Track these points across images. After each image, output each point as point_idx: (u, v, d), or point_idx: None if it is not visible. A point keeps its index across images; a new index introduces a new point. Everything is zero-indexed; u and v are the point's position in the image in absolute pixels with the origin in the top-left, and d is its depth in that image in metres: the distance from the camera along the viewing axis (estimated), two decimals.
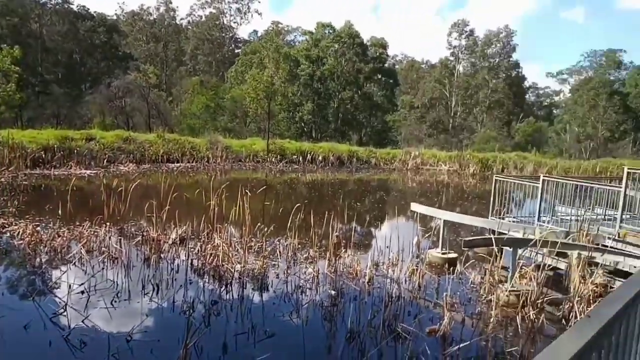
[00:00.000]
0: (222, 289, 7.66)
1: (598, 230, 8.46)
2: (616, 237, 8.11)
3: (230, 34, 68.26)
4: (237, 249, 9.01)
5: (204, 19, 66.92)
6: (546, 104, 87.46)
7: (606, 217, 9.94)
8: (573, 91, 65.22)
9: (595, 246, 7.48)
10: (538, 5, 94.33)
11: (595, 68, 68.06)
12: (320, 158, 32.26)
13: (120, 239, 9.66)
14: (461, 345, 5.77)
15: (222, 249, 8.53)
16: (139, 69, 41.06)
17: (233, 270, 8.24)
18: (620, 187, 8.28)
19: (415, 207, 10.55)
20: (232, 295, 7.42)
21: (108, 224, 10.17)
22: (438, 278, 9.03)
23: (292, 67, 47.41)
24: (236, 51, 66.79)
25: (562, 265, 8.53)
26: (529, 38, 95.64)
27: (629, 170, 7.99)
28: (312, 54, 51.71)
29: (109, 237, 9.60)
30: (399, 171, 33.79)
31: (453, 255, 9.65)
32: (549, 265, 8.97)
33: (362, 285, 8.24)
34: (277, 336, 5.99)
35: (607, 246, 7.89)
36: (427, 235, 10.91)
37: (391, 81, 59.55)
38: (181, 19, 68.54)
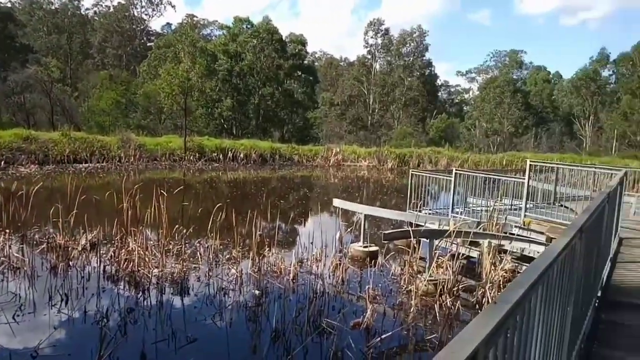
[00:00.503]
0: (139, 296, 7.25)
1: (506, 219, 9.04)
2: (521, 225, 8.72)
3: (142, 27, 65.13)
4: (155, 253, 8.57)
5: (112, 9, 63.25)
6: (457, 101, 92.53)
7: (513, 206, 10.67)
8: (480, 89, 69.52)
9: (504, 234, 7.99)
10: (447, 7, 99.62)
11: (499, 67, 73.13)
12: (241, 155, 31.75)
13: (23, 247, 8.86)
14: (384, 336, 5.91)
15: (138, 253, 8.08)
16: (40, 62, 37.91)
17: (150, 276, 7.83)
18: (524, 179, 8.92)
19: (337, 202, 10.68)
20: (150, 302, 7.04)
21: (7, 231, 9.27)
22: (360, 271, 9.20)
23: (209, 62, 46.13)
24: (148, 44, 63.77)
25: (474, 253, 9.03)
26: (441, 38, 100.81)
27: (531, 163, 8.63)
28: (230, 49, 50.72)
29: (9, 246, 8.76)
30: (321, 168, 34.15)
31: (374, 248, 9.88)
32: (463, 254, 9.47)
33: (287, 283, 8.19)
34: (199, 341, 5.78)
35: (514, 234, 8.45)
36: (349, 230, 11.09)
37: (311, 78, 59.99)
38: (87, 9, 64.28)
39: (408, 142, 45.30)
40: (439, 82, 74.84)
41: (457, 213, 10.56)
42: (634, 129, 48.27)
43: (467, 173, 10.10)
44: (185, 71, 34.23)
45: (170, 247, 9.07)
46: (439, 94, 79.47)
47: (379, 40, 60.05)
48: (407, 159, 35.19)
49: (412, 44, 59.86)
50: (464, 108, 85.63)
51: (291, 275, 8.38)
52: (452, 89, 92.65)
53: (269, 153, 33.47)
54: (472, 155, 36.77)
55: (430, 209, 11.81)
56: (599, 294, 4.50)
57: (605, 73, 56.55)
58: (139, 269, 7.94)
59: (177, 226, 9.35)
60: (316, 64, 76.05)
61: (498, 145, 59.95)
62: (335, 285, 8.35)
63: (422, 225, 9.59)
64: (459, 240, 7.81)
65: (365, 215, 9.91)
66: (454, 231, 7.43)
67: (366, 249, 9.78)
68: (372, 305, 6.65)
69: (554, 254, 2.06)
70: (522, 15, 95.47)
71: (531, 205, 10.10)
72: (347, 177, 31.14)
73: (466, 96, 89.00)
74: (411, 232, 7.52)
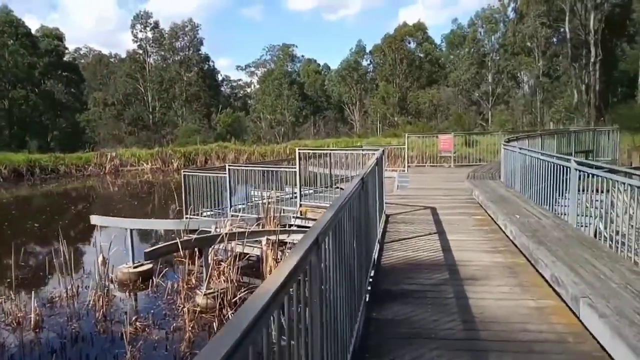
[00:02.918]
0: None
1: (283, 211, 8.67)
2: (298, 215, 8.44)
3: None
4: None
5: None
6: (240, 95, 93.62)
7: (294, 195, 10.45)
8: (260, 82, 71.37)
9: (282, 228, 7.53)
10: (222, 3, 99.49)
11: (275, 61, 76.08)
12: None
13: None
14: None
15: None
16: None
17: None
18: (295, 168, 8.65)
19: (95, 219, 8.92)
20: None
21: None
22: (130, 297, 7.79)
23: None
24: None
25: (257, 251, 8.46)
26: (218, 34, 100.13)
27: (299, 151, 8.39)
28: None
29: None
30: (96, 176, 30.25)
31: (147, 266, 8.51)
32: (246, 254, 8.82)
33: (26, 335, 6.35)
34: None
35: (292, 225, 8.09)
36: (113, 250, 9.41)
37: (75, 77, 53.05)
38: None
39: (195, 139, 43.64)
40: (220, 77, 74.37)
41: (238, 210, 9.89)
42: (391, 110, 55.42)
43: (240, 168, 9.46)
44: None
45: None
46: (222, 88, 79.15)
47: (150, 34, 56.31)
48: (194, 157, 33.69)
49: (185, 38, 57.73)
50: (248, 101, 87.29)
51: (32, 323, 6.54)
52: (235, 84, 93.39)
53: (25, 167, 28.15)
54: (258, 147, 37.18)
55: (212, 210, 10.88)
56: (369, 288, 4.16)
57: (364, 63, 63.56)
58: None
59: None
60: (82, 61, 67.99)
61: (283, 135, 62.53)
62: (97, 322, 6.81)
63: (205, 231, 8.62)
64: (233, 243, 7.05)
65: (131, 230, 8.44)
66: (227, 234, 6.62)
67: (136, 269, 8.35)
68: (144, 336, 5.44)
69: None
70: (291, 11, 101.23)
71: (312, 191, 10.02)
72: (128, 183, 28.21)
73: (248, 90, 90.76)
74: (179, 244, 6.46)
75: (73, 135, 52.11)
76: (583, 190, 6.69)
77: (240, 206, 10.56)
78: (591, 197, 6.36)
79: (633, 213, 4.61)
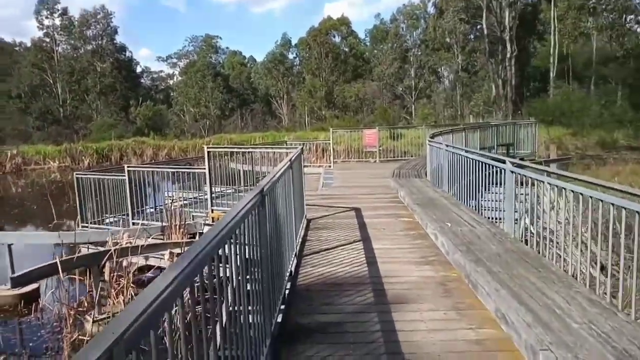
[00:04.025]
0: None
1: (192, 217, 7.69)
2: (210, 222, 7.51)
3: None
4: None
5: None
6: (162, 87, 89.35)
7: (215, 195, 9.41)
8: (182, 74, 68.39)
9: (188, 239, 6.57)
10: None
11: (198, 52, 73.14)
12: None
13: None
14: None
15: None
16: None
17: None
18: (204, 168, 7.69)
19: None
20: None
21: None
22: (5, 328, 6.50)
23: None
24: None
25: (164, 263, 7.44)
26: (138, 24, 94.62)
27: (209, 150, 7.44)
28: None
29: None
30: None
31: (32, 286, 7.19)
32: (151, 266, 7.75)
33: None
34: None
35: (201, 233, 7.14)
36: None
37: None
38: None
39: (109, 134, 40.67)
40: (139, 68, 70.33)
41: (147, 216, 8.75)
42: (319, 104, 55.08)
43: (141, 169, 8.32)
44: None
45: None
46: (142, 80, 75.01)
47: (57, 21, 51.83)
48: (107, 154, 31.25)
49: (98, 26, 53.73)
50: (171, 94, 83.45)
51: None
52: (156, 75, 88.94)
53: None
54: (179, 142, 35.28)
55: (115, 217, 9.61)
56: (279, 319, 3.39)
57: (290, 56, 62.70)
58: None
59: None
60: None
61: (208, 129, 60.30)
62: None
63: (100, 243, 7.43)
64: (126, 259, 6.02)
65: (9, 245, 7.08)
66: (116, 250, 5.58)
67: (16, 292, 7.02)
68: None
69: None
70: (215, 3, 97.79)
71: (232, 191, 9.05)
72: (33, 183, 25.53)
73: (170, 82, 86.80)
74: (59, 264, 5.33)
75: None
76: (500, 184, 6.35)
77: (150, 210, 9.42)
78: (516, 190, 6.03)
79: (560, 210, 4.23)
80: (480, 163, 6.13)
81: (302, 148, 6.51)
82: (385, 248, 5.27)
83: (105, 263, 6.34)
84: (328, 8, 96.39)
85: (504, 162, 4.76)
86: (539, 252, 4.27)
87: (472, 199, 7.30)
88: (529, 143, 15.96)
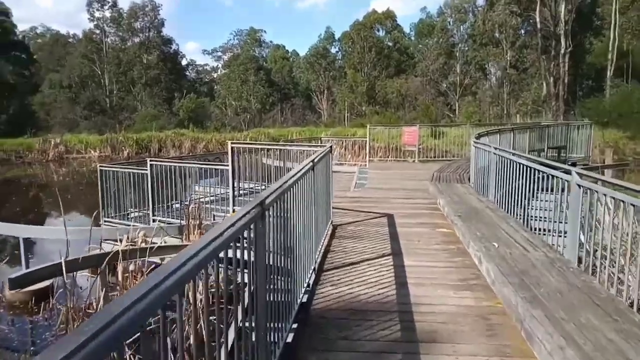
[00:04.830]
0: None
1: (214, 217, 7.22)
2: None
3: None
4: None
5: None
6: (206, 80, 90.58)
7: (243, 192, 8.93)
8: (225, 67, 68.95)
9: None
10: None
11: (242, 45, 73.54)
12: None
13: None
14: None
15: None
16: None
17: None
18: (227, 165, 7.18)
19: None
20: None
21: None
22: (10, 327, 6.23)
23: None
24: None
25: None
26: (185, 16, 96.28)
27: (233, 146, 6.94)
28: None
29: None
30: (39, 163, 27.92)
31: (45, 283, 6.92)
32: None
33: None
34: None
35: None
36: (4, 261, 7.75)
37: (24, 57, 49.58)
38: None
39: (151, 125, 41.31)
40: (185, 61, 71.37)
41: (165, 213, 8.37)
42: (359, 99, 54.20)
43: (164, 163, 7.93)
44: None
45: None
46: (187, 73, 76.20)
47: (107, 14, 53.15)
48: (147, 145, 31.60)
49: (145, 19, 54.74)
50: (215, 87, 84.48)
51: None
52: (201, 68, 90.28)
53: None
54: (217, 135, 35.31)
55: (140, 212, 9.28)
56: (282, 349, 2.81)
57: (333, 50, 61.98)
58: None
59: None
60: (39, 41, 64.11)
61: (249, 122, 60.54)
62: None
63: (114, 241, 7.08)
64: (139, 260, 5.59)
65: (24, 239, 6.83)
66: (125, 251, 5.15)
67: (28, 288, 6.76)
68: None
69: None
70: None
71: (263, 187, 8.51)
72: (75, 172, 26.09)
73: (215, 75, 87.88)
74: (63, 266, 4.95)
75: (22, 118, 48.76)
76: (549, 190, 5.57)
77: (176, 206, 9.04)
78: (559, 197, 5.24)
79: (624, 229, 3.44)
80: (534, 170, 5.34)
81: (331, 147, 5.89)
82: (418, 265, 4.59)
83: (117, 263, 5.94)
84: (374, 2, 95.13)
85: (568, 172, 3.93)
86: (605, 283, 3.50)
87: (519, 207, 6.52)
88: (582, 146, 14.72)
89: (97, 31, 54.35)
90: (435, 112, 44.49)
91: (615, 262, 3.43)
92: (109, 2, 53.16)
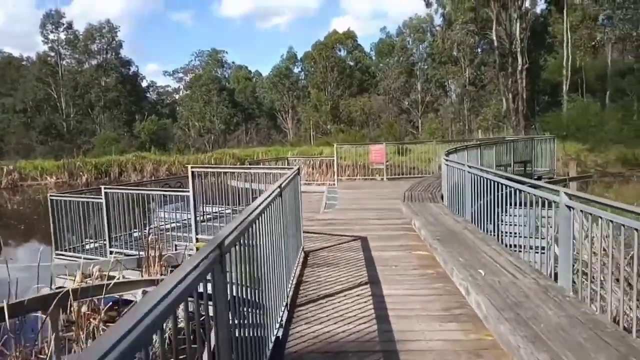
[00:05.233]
0: None
1: (176, 248, 6.72)
2: (193, 253, 6.52)
3: None
4: None
5: None
6: (168, 102, 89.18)
7: (208, 217, 8.41)
8: (187, 88, 68.07)
9: (162, 277, 5.60)
10: (150, 7, 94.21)
11: (203, 66, 72.88)
12: None
13: None
14: None
15: None
16: None
17: None
18: (187, 191, 6.72)
19: None
20: None
21: None
22: None
23: None
24: None
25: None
26: (145, 38, 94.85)
27: (193, 170, 6.50)
28: None
29: None
30: None
31: None
32: (133, 303, 6.75)
33: None
34: None
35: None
36: None
37: None
38: None
39: (111, 149, 40.01)
40: (145, 82, 70.04)
41: (123, 244, 7.77)
42: (324, 118, 54.31)
43: (119, 191, 7.38)
44: None
45: None
46: (148, 95, 74.80)
47: (62, 35, 51.68)
48: (107, 169, 30.47)
49: (103, 40, 53.52)
50: (177, 108, 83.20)
51: None
52: (162, 90, 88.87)
53: None
54: (180, 157, 34.48)
55: (97, 242, 8.61)
56: None
57: (296, 70, 62.14)
58: None
59: None
60: None
61: (213, 143, 59.64)
62: None
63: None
64: (93, 298, 5.05)
65: None
66: (76, 290, 4.62)
67: None
68: None
69: None
70: (222, 18, 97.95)
71: (230, 211, 8.03)
72: (30, 200, 24.77)
73: (176, 96, 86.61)
74: (5, 310, 4.38)
75: None
76: (517, 205, 5.45)
77: (135, 234, 8.45)
78: (533, 212, 5.12)
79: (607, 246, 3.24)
80: (516, 190, 5.17)
81: (299, 168, 5.56)
82: (399, 294, 4.27)
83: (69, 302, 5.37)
84: (335, 23, 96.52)
85: (556, 192, 3.69)
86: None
87: (489, 223, 6.38)
88: (546, 160, 14.93)
89: (52, 53, 52.78)
90: (399, 129, 44.97)
91: (617, 291, 3.20)
92: (63, 24, 51.79)
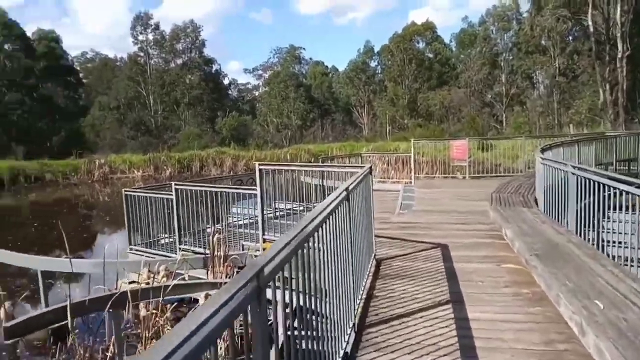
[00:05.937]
0: None
1: (242, 248, 6.46)
2: (259, 253, 6.22)
3: None
4: None
5: None
6: (248, 98, 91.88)
7: (277, 214, 8.15)
8: (266, 85, 69.49)
9: (216, 281, 5.30)
10: (231, 7, 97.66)
11: (282, 63, 74.07)
12: None
13: None
14: None
15: None
16: None
17: None
18: (255, 189, 6.42)
19: None
20: None
21: None
22: None
23: None
24: None
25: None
26: (227, 37, 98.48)
27: (260, 167, 6.18)
28: None
29: None
30: (85, 184, 28.41)
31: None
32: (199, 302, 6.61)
33: None
34: None
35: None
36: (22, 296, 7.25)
37: (73, 81, 51.47)
38: None
39: (194, 144, 41.68)
40: (227, 80, 72.51)
41: (195, 240, 7.70)
42: (401, 113, 53.02)
43: (187, 187, 7.27)
44: None
45: None
46: (230, 92, 77.38)
47: (150, 36, 54.64)
48: (189, 163, 31.68)
49: (187, 40, 55.93)
50: (257, 105, 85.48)
51: None
52: (242, 87, 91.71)
53: (7, 175, 26.32)
54: (257, 152, 35.08)
55: (172, 237, 8.64)
56: None
57: (372, 64, 61.18)
58: None
59: None
60: (89, 65, 66.92)
61: (290, 139, 60.44)
62: None
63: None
64: (158, 299, 4.88)
65: (41, 271, 6.29)
66: (135, 292, 4.44)
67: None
68: None
69: None
70: (301, 15, 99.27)
71: (301, 208, 7.69)
72: (118, 192, 26.30)
73: (256, 93, 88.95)
74: (68, 311, 4.29)
75: (73, 141, 50.50)
76: (616, 208, 4.91)
77: (209, 230, 8.36)
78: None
79: None
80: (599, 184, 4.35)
81: (371, 167, 5.03)
82: (487, 319, 3.62)
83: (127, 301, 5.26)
84: (413, 15, 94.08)
85: None
86: None
87: (592, 230, 5.54)
88: None
89: (142, 54, 55.93)
90: (481, 123, 42.71)
91: None
92: (151, 25, 54.68)
